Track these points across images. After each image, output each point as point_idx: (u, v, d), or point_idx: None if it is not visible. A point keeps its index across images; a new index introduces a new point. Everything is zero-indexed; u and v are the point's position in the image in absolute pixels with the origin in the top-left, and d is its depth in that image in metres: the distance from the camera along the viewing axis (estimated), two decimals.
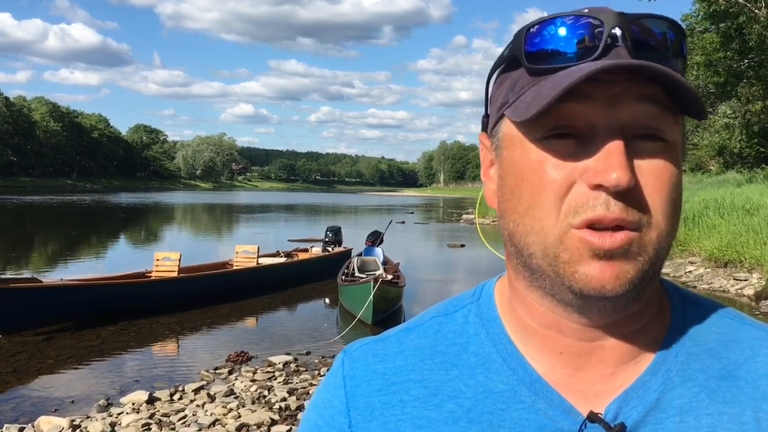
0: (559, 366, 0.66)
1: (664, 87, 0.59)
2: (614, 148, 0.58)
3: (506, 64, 0.67)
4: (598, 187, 0.58)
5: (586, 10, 0.62)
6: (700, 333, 0.68)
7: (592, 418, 0.63)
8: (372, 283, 9.77)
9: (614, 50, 0.59)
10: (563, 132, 0.60)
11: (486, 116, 0.72)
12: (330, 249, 15.90)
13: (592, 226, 0.59)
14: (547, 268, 0.62)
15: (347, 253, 14.93)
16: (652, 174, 0.60)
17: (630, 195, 0.58)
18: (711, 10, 29.05)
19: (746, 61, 29.65)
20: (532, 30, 0.63)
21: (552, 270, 0.61)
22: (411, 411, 0.68)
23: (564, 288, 0.61)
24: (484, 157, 0.72)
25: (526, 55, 0.62)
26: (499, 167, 0.67)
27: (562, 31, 0.61)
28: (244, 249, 13.55)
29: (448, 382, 0.69)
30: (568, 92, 0.57)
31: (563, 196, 0.60)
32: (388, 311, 10.52)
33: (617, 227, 0.58)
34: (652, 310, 0.68)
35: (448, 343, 0.72)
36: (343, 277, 11.70)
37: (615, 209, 0.58)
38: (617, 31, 0.60)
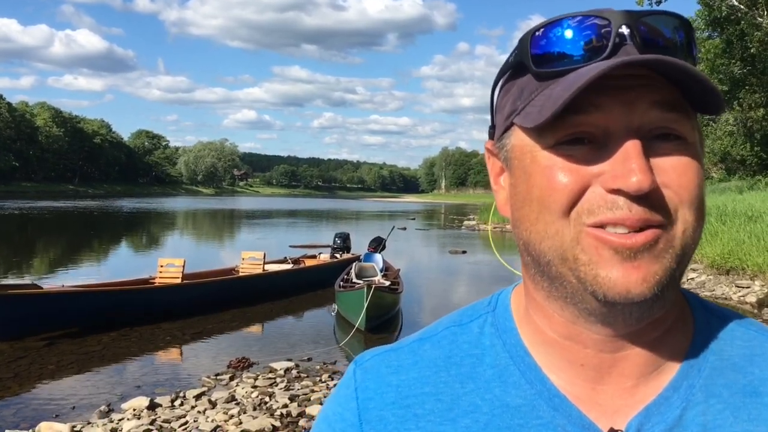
0: (579, 379, 0.64)
1: (679, 87, 0.58)
2: (632, 151, 0.56)
3: (512, 70, 0.65)
4: (616, 191, 0.56)
5: (592, 11, 0.61)
6: (724, 346, 0.66)
7: None
8: (365, 289, 9.74)
9: (623, 49, 0.58)
10: (576, 138, 0.58)
11: (492, 126, 0.70)
12: (338, 255, 15.79)
13: (611, 227, 0.57)
14: (567, 273, 0.59)
15: (356, 260, 14.70)
16: (677, 172, 0.58)
17: (651, 196, 0.56)
18: (712, 16, 29.11)
19: (748, 68, 29.68)
20: (537, 33, 0.61)
21: (573, 275, 0.59)
22: (426, 426, 0.66)
23: (587, 295, 0.59)
24: (493, 165, 0.70)
25: (533, 60, 0.61)
26: (510, 176, 0.65)
27: (569, 33, 0.59)
28: (250, 255, 13.49)
29: (464, 395, 0.67)
30: (581, 96, 0.55)
31: (575, 199, 0.58)
32: (382, 318, 10.45)
33: (641, 228, 0.57)
34: (673, 318, 0.65)
35: (463, 355, 0.70)
36: (342, 283, 11.66)
37: (638, 210, 0.56)
38: (625, 30, 0.58)
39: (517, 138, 0.63)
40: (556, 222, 0.59)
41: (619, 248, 0.56)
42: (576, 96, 0.55)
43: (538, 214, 0.60)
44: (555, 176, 0.59)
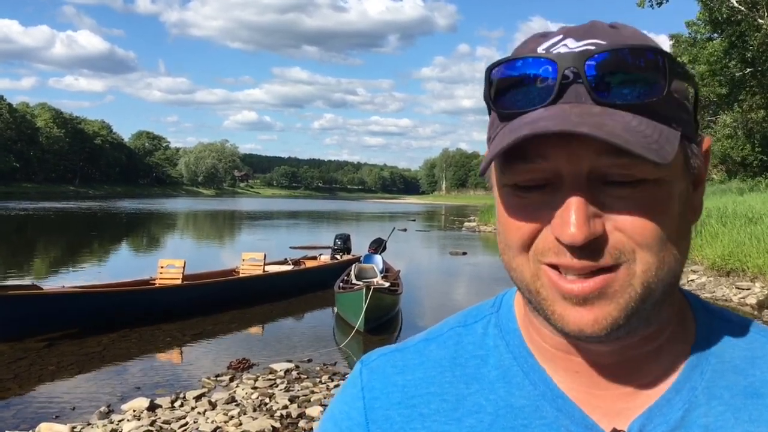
0: (578, 384, 0.65)
1: None
2: (573, 203, 0.56)
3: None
4: (558, 240, 0.57)
5: (548, 44, 0.59)
6: (725, 349, 0.66)
7: None
8: (364, 290, 9.74)
9: (571, 89, 0.56)
10: (531, 179, 0.58)
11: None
12: (339, 257, 15.80)
13: (563, 268, 0.58)
14: (535, 303, 0.61)
15: (356, 261, 14.60)
16: (631, 215, 0.57)
17: (594, 245, 0.56)
18: (713, 17, 29.11)
19: (749, 69, 29.67)
20: (494, 71, 0.61)
21: (538, 306, 0.61)
22: (431, 425, 0.67)
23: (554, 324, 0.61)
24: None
25: (492, 97, 0.61)
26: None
27: (518, 75, 0.59)
28: (250, 256, 13.48)
29: (469, 396, 0.68)
30: (526, 145, 0.56)
31: (531, 239, 0.59)
32: (381, 319, 10.45)
33: (591, 272, 0.57)
34: (670, 329, 0.66)
35: (468, 356, 0.71)
36: (341, 284, 11.66)
37: (579, 261, 0.57)
38: (572, 72, 0.56)
39: (492, 167, 0.65)
40: (517, 257, 0.61)
41: (567, 295, 0.58)
42: (521, 144, 0.55)
43: (504, 246, 0.63)
44: (512, 216, 0.61)
